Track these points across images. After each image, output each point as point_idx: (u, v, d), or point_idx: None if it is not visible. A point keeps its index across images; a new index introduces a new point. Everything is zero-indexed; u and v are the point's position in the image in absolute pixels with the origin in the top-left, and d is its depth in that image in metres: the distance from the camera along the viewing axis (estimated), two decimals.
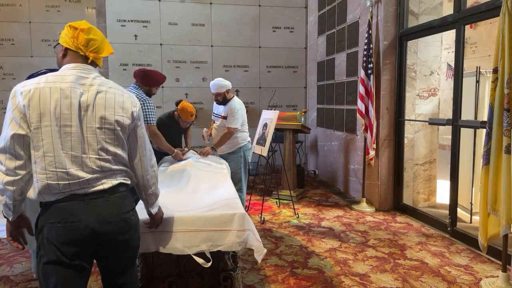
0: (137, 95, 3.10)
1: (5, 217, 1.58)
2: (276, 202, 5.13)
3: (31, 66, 6.64)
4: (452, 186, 3.82)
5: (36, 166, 1.47)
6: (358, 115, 4.73)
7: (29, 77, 2.41)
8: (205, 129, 4.16)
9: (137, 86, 3.24)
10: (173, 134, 3.92)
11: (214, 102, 4.10)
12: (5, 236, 1.61)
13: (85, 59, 1.61)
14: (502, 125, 2.65)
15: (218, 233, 2.11)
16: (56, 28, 6.95)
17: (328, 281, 2.91)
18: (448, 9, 4.52)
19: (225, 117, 3.93)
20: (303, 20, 7.33)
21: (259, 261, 2.20)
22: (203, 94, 6.92)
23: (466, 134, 4.15)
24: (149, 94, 3.30)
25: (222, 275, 2.29)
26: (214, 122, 4.18)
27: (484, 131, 2.97)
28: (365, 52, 4.63)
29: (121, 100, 1.61)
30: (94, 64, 1.65)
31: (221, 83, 3.88)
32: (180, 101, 3.88)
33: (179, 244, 2.05)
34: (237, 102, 3.94)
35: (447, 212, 3.91)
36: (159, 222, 1.98)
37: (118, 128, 1.58)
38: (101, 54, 1.63)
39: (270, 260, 3.28)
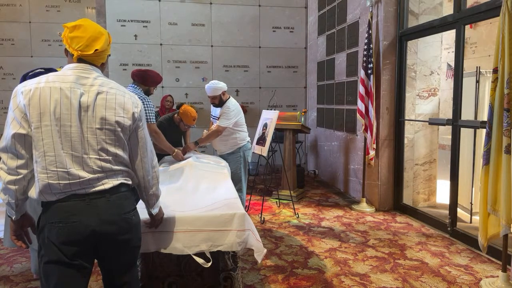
0: (137, 94, 3.11)
1: (8, 216, 1.59)
2: (276, 202, 5.13)
3: (31, 66, 6.58)
4: (452, 186, 3.82)
5: (37, 165, 1.47)
6: (358, 115, 4.73)
7: (24, 75, 2.42)
8: (205, 130, 4.15)
9: (135, 86, 3.25)
10: (173, 137, 3.89)
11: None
12: (2, 236, 1.61)
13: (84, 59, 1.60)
14: (502, 125, 2.65)
15: (218, 233, 2.11)
16: (56, 28, 6.95)
17: (328, 281, 2.91)
18: (448, 9, 4.53)
19: None
20: (303, 20, 7.34)
21: (259, 261, 2.20)
22: (203, 94, 6.87)
23: (466, 134, 4.15)
24: (148, 94, 3.32)
25: (222, 275, 2.29)
26: (212, 124, 4.17)
27: (484, 131, 2.97)
28: (365, 52, 4.63)
29: (122, 101, 1.60)
30: (96, 64, 1.63)
31: (215, 85, 3.83)
32: (182, 104, 3.84)
33: (179, 244, 2.05)
34: (232, 103, 3.90)
35: (447, 212, 3.91)
36: (159, 222, 1.98)
37: (119, 129, 1.58)
38: (89, 52, 1.56)
39: (270, 260, 3.28)
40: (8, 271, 3.07)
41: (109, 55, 1.76)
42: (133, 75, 3.29)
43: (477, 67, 4.17)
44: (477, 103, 4.13)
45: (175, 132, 3.95)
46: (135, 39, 6.79)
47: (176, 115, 3.87)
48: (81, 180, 1.49)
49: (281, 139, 5.42)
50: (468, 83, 4.12)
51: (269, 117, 4.64)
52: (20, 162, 1.48)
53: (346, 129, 5.60)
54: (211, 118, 4.23)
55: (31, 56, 7.02)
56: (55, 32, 6.99)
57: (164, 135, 3.46)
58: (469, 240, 3.59)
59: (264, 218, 4.42)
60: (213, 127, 3.98)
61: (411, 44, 4.60)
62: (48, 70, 2.28)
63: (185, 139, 4.31)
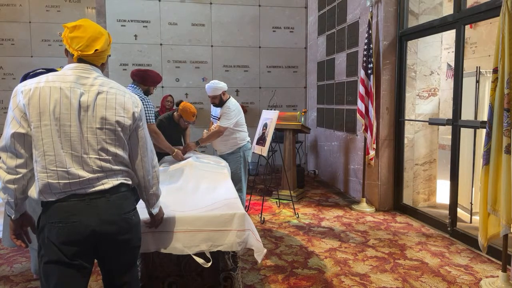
0: (136, 94, 3.11)
1: (8, 215, 1.59)
2: (276, 202, 5.13)
3: (31, 66, 6.63)
4: (452, 186, 3.82)
5: (37, 165, 1.47)
6: (358, 115, 4.73)
7: (25, 76, 2.42)
8: (205, 130, 4.15)
9: (135, 86, 3.25)
10: (173, 136, 3.91)
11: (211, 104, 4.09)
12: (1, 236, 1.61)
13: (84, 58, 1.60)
14: (502, 125, 2.65)
15: (218, 233, 2.11)
16: (56, 28, 6.95)
17: (328, 281, 2.91)
18: (448, 9, 4.52)
19: None
20: (303, 20, 7.34)
21: (259, 261, 2.20)
22: (203, 94, 6.90)
23: (466, 134, 4.15)
24: (147, 93, 3.32)
25: (222, 275, 2.29)
26: (212, 123, 4.17)
27: (484, 131, 2.97)
28: (365, 52, 4.63)
29: (122, 101, 1.61)
30: (96, 64, 1.63)
31: (216, 85, 3.84)
32: (181, 101, 3.88)
33: (179, 244, 2.05)
34: (232, 103, 3.91)
35: (447, 212, 3.91)
36: (159, 222, 1.98)
37: (119, 129, 1.58)
38: (89, 52, 1.56)
39: (270, 260, 3.28)
40: (8, 271, 3.07)
41: (109, 55, 1.76)
42: (133, 75, 3.29)
43: (477, 67, 4.17)
44: (477, 103, 4.12)
45: (175, 131, 3.97)
46: (135, 39, 6.79)
47: (175, 112, 3.90)
48: (80, 179, 1.49)
49: (281, 139, 5.42)
50: (468, 83, 4.12)
51: (269, 117, 4.64)
52: (20, 161, 1.48)
53: (346, 129, 5.60)
54: (211, 118, 4.23)
55: (31, 56, 7.02)
56: (55, 32, 6.99)
57: (164, 133, 3.47)
58: (469, 240, 3.58)
59: (264, 218, 4.42)
60: (213, 127, 3.98)
61: (411, 44, 4.60)
62: (49, 71, 2.28)
63: (185, 139, 4.32)
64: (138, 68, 3.37)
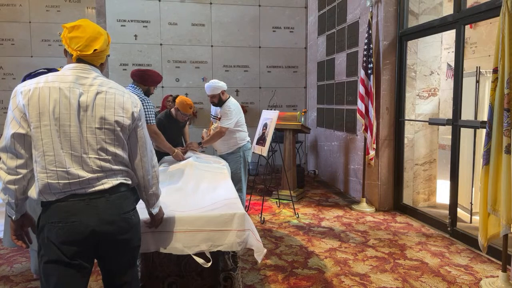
0: (137, 95, 3.11)
1: (8, 216, 1.59)
2: (276, 202, 5.13)
3: (31, 66, 6.63)
4: (452, 186, 3.82)
5: (36, 165, 1.48)
6: (358, 115, 4.73)
7: (26, 76, 2.41)
8: (204, 130, 4.16)
9: (135, 86, 3.24)
10: (173, 132, 3.92)
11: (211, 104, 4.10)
12: (1, 236, 1.62)
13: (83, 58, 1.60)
14: (502, 125, 2.65)
15: (218, 233, 2.11)
16: (56, 28, 6.95)
17: (328, 281, 2.91)
18: (448, 9, 4.52)
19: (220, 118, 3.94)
20: (303, 20, 7.34)
21: (259, 261, 2.20)
22: (203, 94, 6.88)
23: (466, 134, 4.15)
24: (148, 93, 3.31)
25: (222, 275, 2.29)
26: (212, 123, 4.18)
27: (484, 131, 2.97)
28: (365, 52, 4.63)
29: (121, 101, 1.61)
30: (95, 64, 1.63)
31: (215, 84, 3.85)
32: (177, 96, 3.91)
33: (179, 244, 2.05)
34: (232, 103, 3.92)
35: (447, 212, 3.91)
36: (159, 222, 1.98)
37: (118, 129, 1.58)
38: (88, 52, 1.56)
39: (270, 260, 3.28)
40: (8, 271, 3.07)
41: (108, 56, 1.76)
42: (133, 75, 3.28)
43: (477, 67, 4.17)
44: (477, 103, 4.12)
45: (175, 128, 3.99)
46: (135, 39, 6.79)
47: (171, 109, 3.93)
48: (80, 179, 1.50)
49: (281, 139, 5.42)
50: (468, 83, 4.12)
51: (269, 117, 4.64)
52: (20, 161, 1.48)
53: (346, 129, 5.60)
54: (211, 118, 4.24)
55: (31, 56, 7.02)
56: (55, 32, 6.99)
57: (164, 131, 3.48)
58: (469, 240, 3.58)
59: (264, 218, 4.42)
60: (213, 127, 3.99)
61: (411, 44, 4.60)
62: (50, 71, 2.28)
63: (185, 138, 4.33)
64: (138, 68, 3.37)
